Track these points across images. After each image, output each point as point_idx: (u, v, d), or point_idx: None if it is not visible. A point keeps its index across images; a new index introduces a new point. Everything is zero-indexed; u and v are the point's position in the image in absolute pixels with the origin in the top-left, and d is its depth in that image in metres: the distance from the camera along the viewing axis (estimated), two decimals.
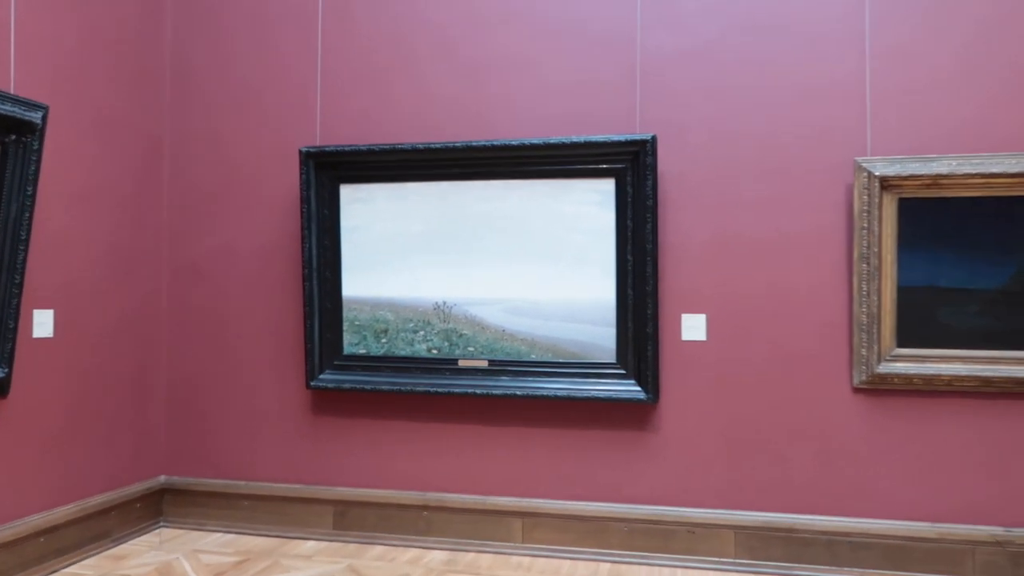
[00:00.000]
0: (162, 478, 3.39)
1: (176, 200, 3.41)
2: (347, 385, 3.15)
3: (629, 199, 2.93)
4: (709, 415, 2.95)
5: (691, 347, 2.97)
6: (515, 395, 3.01)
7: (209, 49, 3.38)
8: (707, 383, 2.95)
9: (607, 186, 2.96)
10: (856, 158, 2.77)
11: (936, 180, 2.71)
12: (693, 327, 2.97)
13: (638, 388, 2.94)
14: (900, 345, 2.78)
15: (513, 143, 2.96)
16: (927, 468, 2.78)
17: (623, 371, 2.96)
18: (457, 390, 3.05)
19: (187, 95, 3.40)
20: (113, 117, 3.11)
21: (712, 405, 2.94)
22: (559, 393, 2.97)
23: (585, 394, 2.96)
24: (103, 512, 3.05)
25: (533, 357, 3.04)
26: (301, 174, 3.12)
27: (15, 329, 2.61)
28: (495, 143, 2.97)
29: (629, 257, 2.93)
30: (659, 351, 2.93)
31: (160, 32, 3.38)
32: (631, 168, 2.92)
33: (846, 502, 2.83)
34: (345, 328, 3.19)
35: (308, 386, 3.17)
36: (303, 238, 3.13)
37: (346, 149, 3.09)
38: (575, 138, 2.92)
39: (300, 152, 3.12)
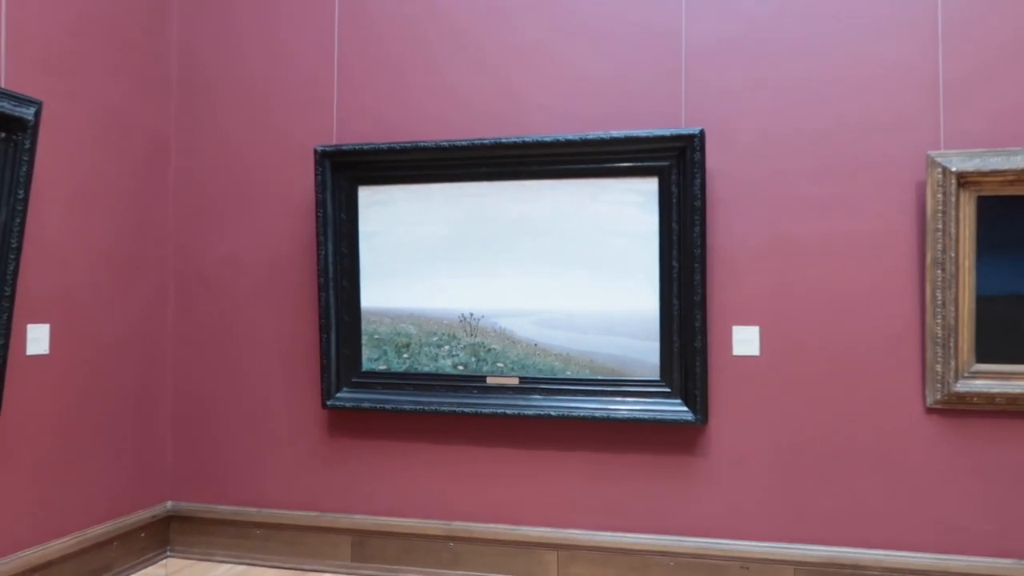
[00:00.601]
0: (168, 504, 3.15)
1: (182, 204, 3.18)
2: (366, 404, 2.90)
3: (674, 200, 2.66)
4: (764, 438, 2.67)
5: (743, 363, 2.69)
6: (549, 415, 2.74)
7: (219, 42, 3.16)
8: (761, 402, 2.67)
9: (650, 186, 2.70)
10: (929, 152, 2.49)
11: (1021, 176, 2.42)
12: (745, 341, 2.69)
13: (685, 408, 2.66)
14: (980, 360, 2.49)
15: (547, 139, 2.70)
16: (1012, 498, 2.48)
17: (668, 389, 2.69)
18: (486, 410, 2.80)
19: (194, 91, 3.18)
20: (114, 114, 2.89)
21: (767, 427, 2.66)
22: (597, 414, 2.71)
23: (626, 415, 2.69)
24: (104, 543, 2.81)
25: (568, 374, 2.77)
26: (316, 175, 2.89)
27: (6, 346, 2.38)
28: (527, 139, 2.72)
29: (675, 263, 2.66)
30: (708, 367, 2.66)
31: (166, 24, 3.16)
32: (676, 166, 2.65)
33: (919, 535, 2.54)
34: (364, 342, 2.94)
35: (324, 405, 2.93)
36: (319, 244, 2.89)
37: (365, 148, 2.85)
38: (615, 133, 2.66)
39: (315, 151, 2.89)
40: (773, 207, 2.67)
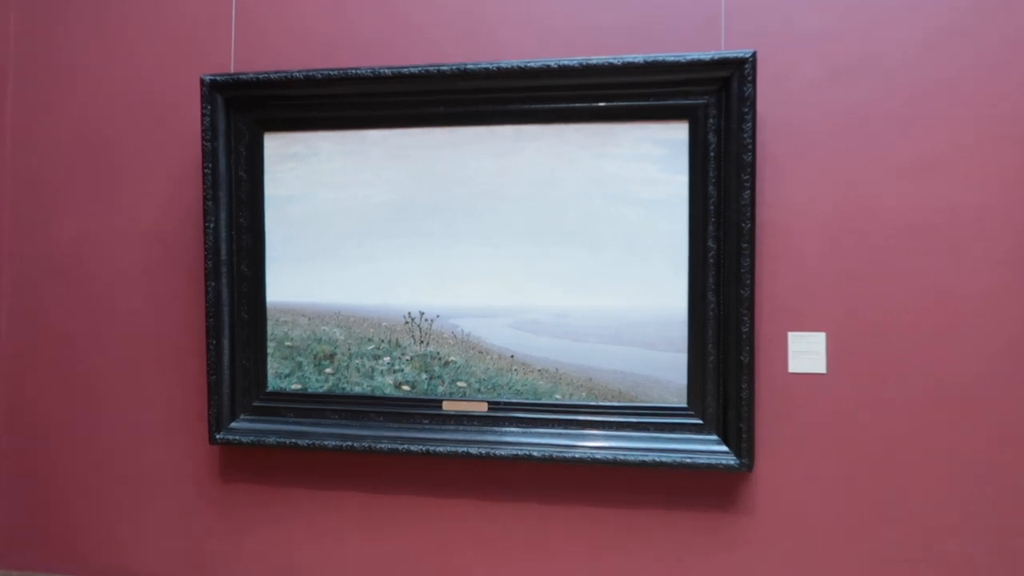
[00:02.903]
0: None
1: (21, 165, 2.29)
2: (272, 439, 2.05)
3: (712, 152, 1.88)
4: (832, 490, 1.90)
5: (802, 383, 1.92)
6: (530, 457, 1.93)
7: None
8: (828, 439, 1.90)
9: (677, 133, 1.91)
10: None
11: None
12: (806, 352, 1.92)
13: (723, 447, 1.88)
14: None
15: (532, 65, 1.89)
16: None
17: (699, 421, 1.91)
18: (441, 448, 1.98)
19: (40, 10, 2.29)
20: None
21: (836, 474, 1.90)
22: (599, 455, 1.91)
23: (639, 456, 1.90)
24: None
25: (557, 398, 1.97)
26: (203, 116, 2.04)
27: None
28: (503, 65, 1.91)
29: (711, 243, 1.88)
30: (755, 390, 1.88)
31: None
32: (717, 105, 1.87)
33: None
34: (271, 351, 2.10)
35: (213, 439, 2.08)
36: (206, 213, 2.04)
37: (273, 77, 2.01)
38: (628, 57, 1.86)
39: (201, 83, 2.03)
40: (844, 168, 1.90)
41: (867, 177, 1.88)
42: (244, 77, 2.02)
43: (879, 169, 1.88)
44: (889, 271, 1.87)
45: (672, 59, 1.85)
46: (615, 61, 1.86)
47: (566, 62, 1.88)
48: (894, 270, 1.87)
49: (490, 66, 1.91)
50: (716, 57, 1.83)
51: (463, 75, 1.93)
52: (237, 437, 2.07)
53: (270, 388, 2.10)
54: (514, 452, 1.94)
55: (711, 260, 1.89)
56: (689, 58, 1.84)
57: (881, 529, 1.87)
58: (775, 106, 1.92)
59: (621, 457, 1.89)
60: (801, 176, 1.91)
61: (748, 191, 1.83)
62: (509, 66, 1.90)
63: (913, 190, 1.86)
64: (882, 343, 1.88)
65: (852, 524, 1.89)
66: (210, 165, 2.04)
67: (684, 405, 1.92)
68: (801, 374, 1.92)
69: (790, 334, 1.92)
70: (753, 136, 1.82)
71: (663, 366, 1.93)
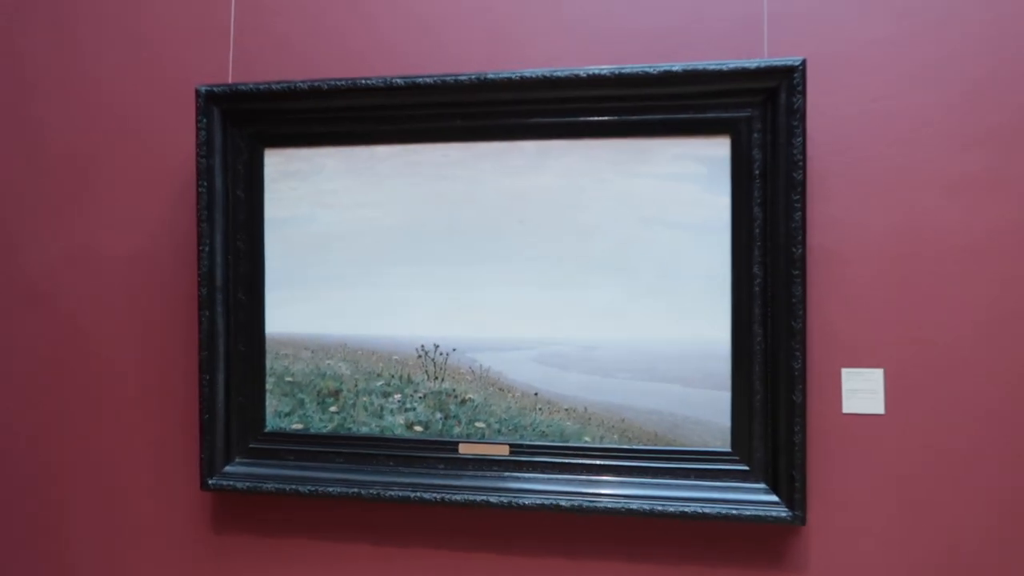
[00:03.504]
0: None
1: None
2: (270, 485, 1.86)
3: (757, 171, 1.70)
4: (891, 544, 1.71)
5: (858, 425, 1.73)
6: (557, 506, 1.74)
7: None
8: (888, 487, 1.71)
9: (718, 149, 1.73)
10: None
11: None
12: (862, 391, 1.73)
13: (772, 497, 1.69)
14: None
15: (559, 74, 1.72)
16: None
17: (744, 467, 1.72)
18: (457, 496, 1.78)
19: (13, 17, 2.13)
20: None
21: (896, 526, 1.71)
22: (633, 505, 1.72)
23: (679, 507, 1.70)
24: None
25: (587, 440, 1.78)
26: (199, 129, 1.86)
27: None
28: (527, 75, 1.74)
29: (757, 270, 1.70)
30: (807, 433, 1.69)
31: None
32: (762, 118, 1.70)
33: None
34: (270, 388, 1.91)
35: (205, 485, 1.88)
36: (200, 236, 1.86)
37: (274, 88, 1.84)
38: (665, 66, 1.69)
39: (197, 94, 1.86)
40: (903, 185, 1.72)
41: (925, 197, 1.71)
42: (243, 88, 1.85)
43: (940, 185, 1.71)
44: (953, 300, 1.69)
45: (713, 68, 1.68)
46: (651, 70, 1.69)
47: (596, 71, 1.71)
48: (958, 299, 1.69)
49: (512, 75, 1.74)
50: (762, 66, 1.66)
51: (483, 85, 1.76)
52: (232, 483, 1.87)
53: (268, 428, 1.91)
54: (539, 501, 1.75)
55: (756, 288, 1.71)
56: (732, 66, 1.67)
57: None
58: (821, 120, 1.74)
59: (659, 508, 1.70)
60: (851, 196, 1.74)
61: (799, 212, 1.65)
62: (533, 75, 1.73)
63: (976, 210, 1.69)
64: (946, 380, 1.70)
65: None
66: (205, 184, 1.86)
67: (728, 449, 1.73)
68: (856, 415, 1.73)
69: (844, 370, 1.74)
70: (804, 152, 1.65)
71: (704, 405, 1.74)
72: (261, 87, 1.84)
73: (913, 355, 1.71)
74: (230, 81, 1.97)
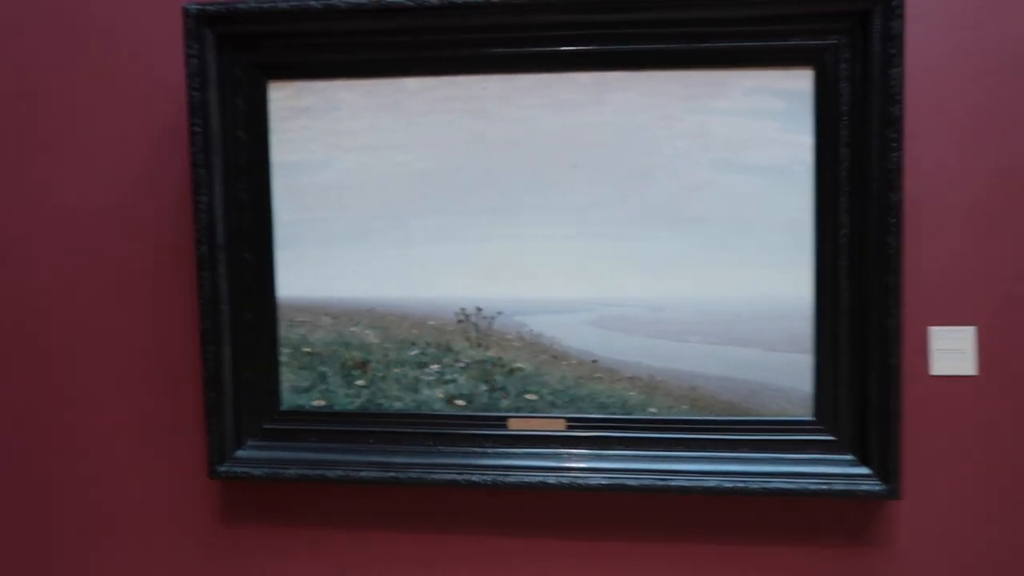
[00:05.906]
0: None
1: None
2: (291, 471, 1.62)
3: (845, 107, 1.50)
4: (987, 516, 1.58)
5: (948, 388, 1.58)
6: (624, 486, 1.55)
7: None
8: (981, 454, 1.58)
9: (799, 83, 1.53)
10: None
11: None
12: (951, 351, 1.58)
13: (863, 470, 1.54)
14: None
15: None
16: None
17: (831, 437, 1.55)
18: (510, 478, 1.58)
19: None
20: None
21: (991, 497, 1.57)
22: (709, 483, 1.54)
23: (761, 483, 1.53)
24: None
25: (653, 411, 1.59)
26: (188, 58, 1.57)
27: None
28: None
29: (843, 219, 1.52)
30: (901, 400, 1.53)
31: None
32: (850, 47, 1.49)
33: None
34: (284, 360, 1.66)
35: (214, 472, 1.63)
36: (195, 186, 1.58)
37: (281, 7, 1.55)
38: None
39: (185, 14, 1.56)
40: (1002, 124, 1.55)
41: None
42: (242, 7, 1.56)
43: None
44: None
45: None
46: None
47: None
48: None
49: None
50: None
51: (530, 6, 1.51)
52: (246, 469, 1.63)
53: (285, 406, 1.67)
54: (603, 481, 1.56)
55: (843, 240, 1.52)
56: None
57: None
58: (915, 50, 1.55)
59: (741, 485, 1.52)
60: (947, 138, 1.56)
61: (896, 153, 1.46)
62: None
63: None
64: None
65: (1012, 558, 1.57)
66: (199, 122, 1.58)
67: (812, 418, 1.56)
68: (946, 376, 1.58)
69: (931, 329, 1.58)
70: (901, 84, 1.45)
71: (783, 370, 1.56)
72: (264, 5, 1.55)
73: (1009, 311, 1.56)
74: None
